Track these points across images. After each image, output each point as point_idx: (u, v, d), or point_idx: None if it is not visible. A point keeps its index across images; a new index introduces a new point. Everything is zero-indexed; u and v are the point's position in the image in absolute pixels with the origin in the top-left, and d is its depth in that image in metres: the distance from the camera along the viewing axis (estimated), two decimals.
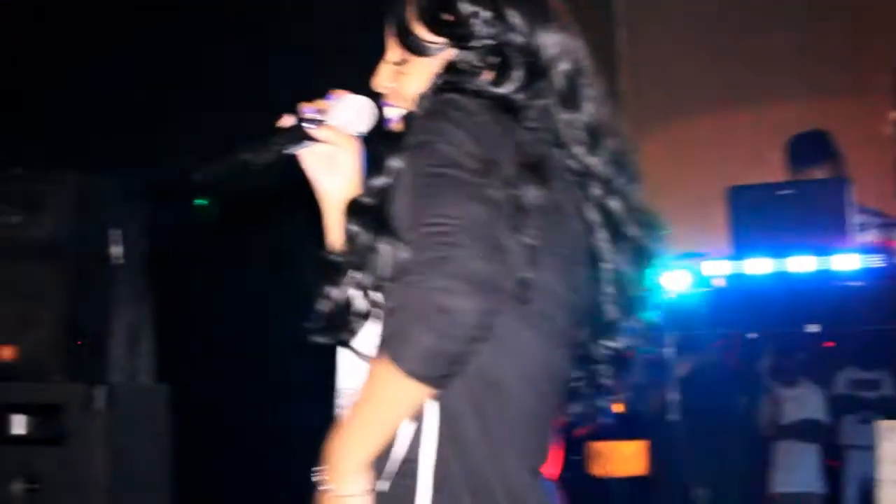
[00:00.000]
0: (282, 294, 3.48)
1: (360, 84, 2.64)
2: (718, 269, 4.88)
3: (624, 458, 5.74)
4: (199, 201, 2.74)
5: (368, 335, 2.37)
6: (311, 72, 5.00)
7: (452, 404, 2.29)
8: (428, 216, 2.20)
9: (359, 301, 2.39)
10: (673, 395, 5.49)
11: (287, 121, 2.58)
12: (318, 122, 2.58)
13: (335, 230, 2.58)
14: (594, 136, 2.44)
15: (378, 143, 2.51)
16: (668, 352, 5.23)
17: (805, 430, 5.71)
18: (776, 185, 5.06)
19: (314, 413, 2.70)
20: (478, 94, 2.37)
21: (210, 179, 2.59)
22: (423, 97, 2.40)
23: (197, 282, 5.78)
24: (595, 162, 2.43)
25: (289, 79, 5.18)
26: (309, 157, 2.62)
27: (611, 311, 2.48)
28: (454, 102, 2.33)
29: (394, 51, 2.57)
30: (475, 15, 2.45)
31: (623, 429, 5.62)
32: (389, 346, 2.16)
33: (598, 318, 2.48)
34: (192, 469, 5.28)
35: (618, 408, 5.57)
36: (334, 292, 2.40)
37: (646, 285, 2.56)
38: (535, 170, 2.31)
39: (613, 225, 2.45)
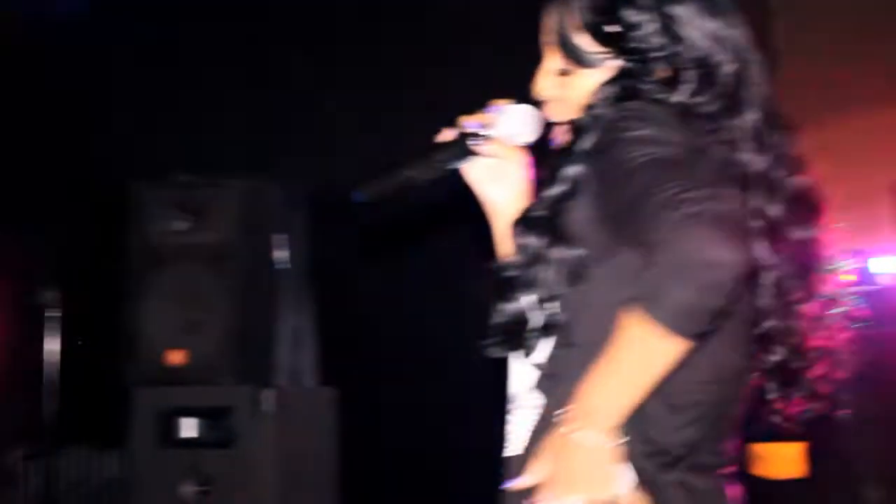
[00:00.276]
0: (444, 300, 3.44)
1: (521, 93, 2.57)
2: (885, 266, 4.83)
3: (784, 461, 5.60)
4: (359, 199, 2.55)
5: (543, 348, 2.34)
6: (468, 83, 4.93)
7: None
8: (664, 187, 2.10)
9: (534, 314, 2.34)
10: (843, 393, 5.33)
11: (447, 134, 2.51)
12: (482, 136, 2.52)
13: (504, 242, 2.52)
14: (760, 138, 2.36)
15: (550, 154, 2.42)
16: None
17: None
18: None
19: (481, 419, 2.81)
20: (656, 101, 2.30)
21: (374, 198, 2.51)
22: (594, 105, 2.31)
23: (359, 287, 5.76)
24: (760, 163, 2.36)
25: (446, 89, 5.12)
26: (473, 171, 2.57)
27: (771, 320, 2.40)
28: (639, 108, 2.27)
29: (554, 59, 2.50)
30: (641, 26, 2.39)
31: (783, 430, 5.51)
32: (647, 303, 2.08)
33: (757, 328, 2.40)
34: (357, 470, 5.33)
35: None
36: (509, 306, 2.37)
37: (809, 289, 2.43)
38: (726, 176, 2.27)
39: (775, 229, 2.38)
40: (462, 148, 2.52)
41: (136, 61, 5.87)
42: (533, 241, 2.33)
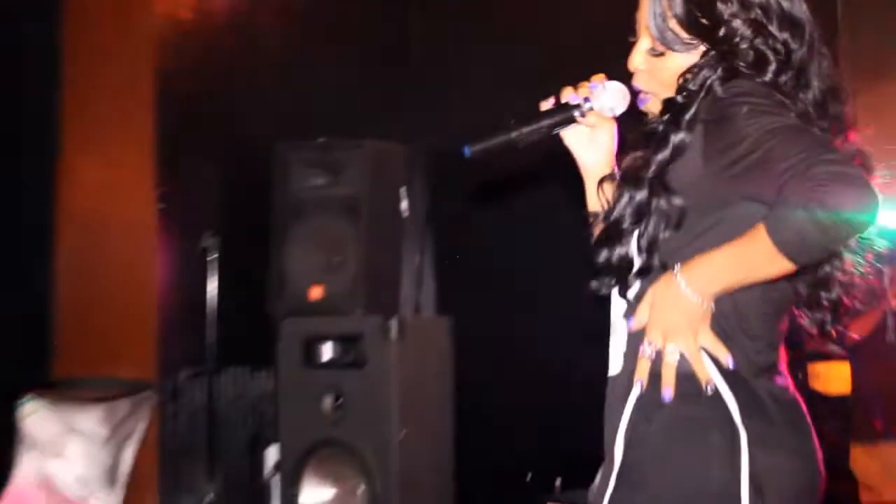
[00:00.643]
0: (545, 242, 3.52)
1: (616, 71, 2.71)
2: None
3: (835, 378, 5.70)
4: (468, 154, 2.73)
5: (639, 288, 2.53)
6: (573, 55, 4.98)
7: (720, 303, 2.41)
8: (801, 146, 2.24)
9: (636, 258, 2.53)
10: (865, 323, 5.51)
11: (548, 103, 2.70)
12: (582, 107, 2.70)
13: (593, 196, 2.76)
14: (820, 107, 2.53)
15: (642, 123, 2.62)
16: (885, 282, 5.23)
17: None
18: None
19: (582, 348, 2.98)
20: (750, 80, 2.47)
21: (481, 154, 2.68)
22: (692, 83, 2.52)
23: (471, 231, 5.80)
24: (817, 131, 2.49)
25: (552, 60, 5.24)
26: (572, 136, 2.76)
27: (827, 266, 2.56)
28: (749, 86, 2.46)
29: (647, 40, 2.64)
30: (731, 22, 2.53)
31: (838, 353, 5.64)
32: (774, 224, 2.24)
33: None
34: (470, 391, 5.42)
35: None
36: (616, 249, 2.55)
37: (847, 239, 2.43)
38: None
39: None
40: (564, 116, 2.70)
41: (284, 38, 5.92)
42: (641, 194, 2.51)
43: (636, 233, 2.52)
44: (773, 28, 2.52)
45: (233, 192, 5.82)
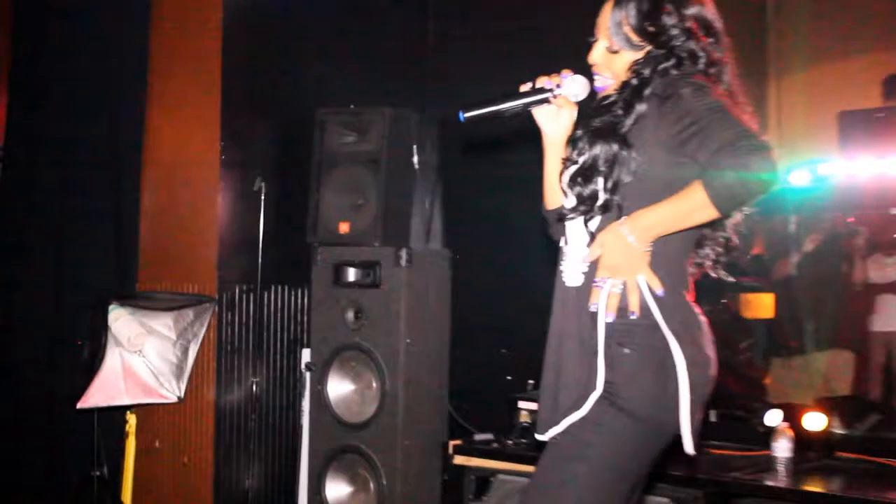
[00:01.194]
0: (527, 190, 3.53)
1: (580, 65, 3.03)
2: (832, 170, 4.81)
3: (761, 306, 5.75)
4: (461, 118, 3.03)
5: (600, 221, 2.81)
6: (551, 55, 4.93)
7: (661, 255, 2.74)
8: (731, 125, 2.62)
9: (601, 195, 2.81)
10: (796, 259, 5.59)
11: (527, 86, 3.00)
12: (553, 91, 3.00)
13: (553, 161, 3.07)
14: (730, 96, 2.83)
15: (621, 98, 2.86)
16: (793, 229, 5.30)
17: None
18: (874, 109, 5.07)
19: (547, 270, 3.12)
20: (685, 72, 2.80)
21: (472, 119, 3.01)
22: (644, 71, 2.83)
23: (470, 180, 5.88)
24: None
25: (537, 50, 5.34)
26: (541, 113, 3.06)
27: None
28: (690, 72, 2.80)
29: (605, 41, 2.94)
30: (668, 27, 2.86)
31: (762, 286, 5.71)
32: (710, 181, 2.59)
33: None
34: (465, 308, 5.58)
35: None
36: (589, 186, 2.84)
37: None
38: None
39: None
40: (539, 97, 3.00)
41: (324, 24, 5.97)
42: (612, 147, 2.79)
43: (603, 176, 2.81)
44: (701, 35, 2.88)
45: (280, 147, 5.86)
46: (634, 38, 2.89)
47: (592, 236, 2.81)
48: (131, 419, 5.63)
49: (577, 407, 2.78)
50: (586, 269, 2.83)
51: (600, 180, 2.82)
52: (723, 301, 5.43)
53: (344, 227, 5.46)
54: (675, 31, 2.85)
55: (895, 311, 5.70)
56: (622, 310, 2.74)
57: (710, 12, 2.92)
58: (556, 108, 3.03)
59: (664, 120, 2.74)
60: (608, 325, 2.75)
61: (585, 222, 2.85)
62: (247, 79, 5.75)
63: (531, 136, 3.21)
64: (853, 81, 6.04)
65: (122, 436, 5.61)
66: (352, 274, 5.42)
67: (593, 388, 2.75)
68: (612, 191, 2.79)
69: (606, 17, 2.93)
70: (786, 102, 6.19)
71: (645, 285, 2.73)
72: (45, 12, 6.32)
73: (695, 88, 2.72)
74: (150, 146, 5.95)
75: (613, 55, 2.93)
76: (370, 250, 5.37)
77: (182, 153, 5.88)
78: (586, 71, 3.03)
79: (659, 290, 2.72)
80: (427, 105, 5.80)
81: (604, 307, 2.74)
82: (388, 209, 5.42)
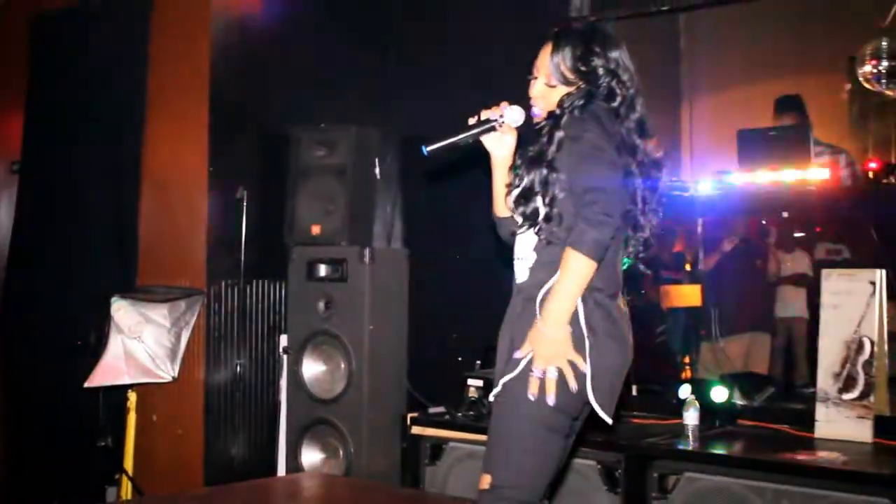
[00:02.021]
0: (478, 202, 3.50)
1: (519, 96, 3.12)
2: (733, 180, 4.86)
3: (685, 296, 5.80)
4: (424, 151, 3.08)
5: (546, 229, 2.91)
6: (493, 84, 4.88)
7: None
8: (593, 178, 2.77)
9: (542, 209, 2.91)
10: (716, 256, 5.64)
11: (473, 119, 3.10)
12: (497, 121, 3.09)
13: (500, 180, 3.16)
14: (641, 126, 3.00)
15: (548, 129, 2.94)
16: (701, 231, 5.35)
17: (799, 280, 5.67)
18: (767, 128, 5.13)
19: (498, 271, 3.31)
20: (602, 107, 2.92)
21: (432, 153, 3.07)
22: (568, 107, 2.91)
23: (426, 190, 5.72)
24: (639, 141, 2.98)
25: (480, 87, 5.15)
26: (488, 140, 3.14)
27: (639, 216, 3.01)
28: (596, 112, 2.90)
29: (544, 76, 3.04)
30: (597, 67, 2.97)
31: (686, 277, 5.79)
32: (577, 247, 2.73)
33: (633, 220, 2.99)
34: (422, 297, 5.54)
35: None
36: (531, 204, 2.93)
37: (657, 204, 3.03)
38: (630, 149, 2.93)
39: (646, 170, 3.00)
40: (487, 127, 3.09)
41: (299, 51, 5.89)
42: (544, 170, 2.89)
43: (541, 195, 2.91)
44: (620, 75, 2.99)
45: (260, 160, 5.83)
46: (569, 75, 2.99)
47: (539, 240, 2.93)
48: (132, 396, 5.61)
49: (510, 369, 2.89)
50: (532, 265, 2.94)
51: (539, 199, 2.90)
52: (643, 292, 5.45)
53: (316, 230, 5.46)
54: (601, 71, 2.96)
55: (791, 299, 5.76)
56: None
57: (627, 56, 3.04)
58: (500, 134, 3.12)
59: (570, 156, 2.87)
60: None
61: (536, 232, 2.94)
62: (232, 100, 5.74)
63: (479, 152, 3.25)
64: (753, 104, 6.09)
65: (124, 411, 5.61)
66: (323, 270, 5.41)
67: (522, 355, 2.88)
68: (551, 205, 2.88)
69: (546, 58, 3.04)
70: (696, 121, 6.23)
71: (572, 365, 2.83)
72: (57, 44, 6.42)
73: (586, 138, 2.83)
74: (147, 160, 5.95)
75: (550, 90, 3.02)
76: (338, 249, 5.37)
77: (175, 165, 5.86)
78: (521, 99, 3.12)
79: (582, 366, 2.82)
80: (388, 123, 5.81)
81: (546, 392, 2.83)
82: (353, 214, 5.42)
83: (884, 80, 5.89)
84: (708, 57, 6.57)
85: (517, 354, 2.87)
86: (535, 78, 3.07)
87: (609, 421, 2.88)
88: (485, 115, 3.10)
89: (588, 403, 2.87)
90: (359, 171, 5.48)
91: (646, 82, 3.11)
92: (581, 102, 2.91)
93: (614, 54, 2.98)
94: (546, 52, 3.04)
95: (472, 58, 5.61)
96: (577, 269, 2.76)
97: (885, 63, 5.89)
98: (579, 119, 2.89)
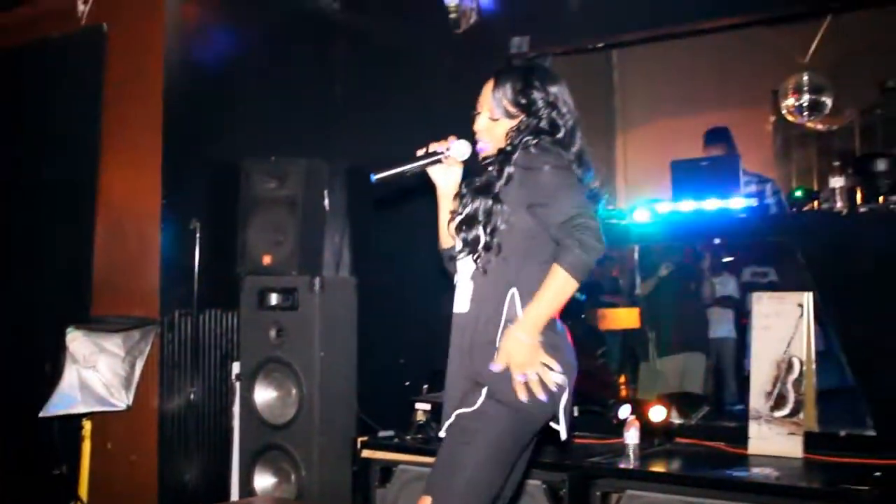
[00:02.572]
0: (425, 228, 3.49)
1: (463, 130, 3.17)
2: (666, 208, 4.86)
3: (622, 319, 5.83)
4: (372, 180, 3.09)
5: (484, 258, 2.93)
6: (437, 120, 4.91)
7: (526, 283, 2.87)
8: (574, 204, 2.80)
9: (483, 238, 2.93)
10: (652, 282, 5.68)
11: (421, 151, 3.13)
12: (443, 153, 3.12)
13: (445, 210, 3.20)
14: (580, 157, 3.02)
15: (498, 163, 2.97)
16: (636, 258, 5.37)
17: (726, 302, 5.77)
18: (698, 159, 5.16)
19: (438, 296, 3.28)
20: (544, 140, 2.94)
21: (380, 181, 3.08)
22: (520, 142, 2.93)
23: (373, 221, 5.80)
24: (580, 172, 3.00)
25: (424, 122, 5.28)
26: (435, 172, 3.18)
27: None
28: (545, 146, 2.93)
29: (487, 111, 3.07)
30: (538, 102, 3.01)
31: (624, 302, 5.84)
32: (564, 263, 2.76)
33: None
34: (370, 324, 5.53)
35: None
36: (472, 232, 2.96)
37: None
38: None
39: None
40: (433, 159, 3.12)
41: (249, 87, 5.89)
42: (489, 201, 2.92)
43: (482, 225, 2.93)
44: (559, 107, 3.01)
45: (213, 192, 5.75)
46: (511, 109, 3.01)
47: (477, 268, 2.94)
48: (87, 425, 5.51)
49: (466, 403, 2.88)
50: (472, 295, 2.93)
51: (480, 227, 2.92)
52: (582, 316, 5.42)
53: (267, 259, 5.42)
54: (541, 104, 2.98)
55: (720, 321, 5.84)
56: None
57: (566, 92, 3.06)
58: (446, 166, 3.13)
59: (524, 187, 2.87)
60: (488, 356, 2.88)
61: (474, 260, 2.95)
62: (185, 133, 5.66)
63: (425, 185, 3.28)
64: (683, 135, 6.12)
65: (80, 439, 5.50)
66: (274, 298, 5.39)
67: (479, 390, 2.87)
68: (492, 235, 2.90)
69: (488, 94, 3.06)
70: (630, 152, 6.29)
71: (545, 366, 2.87)
72: (13, 77, 6.32)
73: (552, 167, 2.85)
74: (103, 192, 5.84)
75: (494, 123, 3.04)
76: (289, 279, 5.34)
77: (130, 199, 5.75)
78: (467, 134, 3.13)
79: (556, 367, 2.85)
80: (336, 156, 5.80)
81: (535, 392, 2.84)
82: (303, 244, 5.40)
83: (805, 113, 6.03)
84: (640, 91, 6.61)
85: (494, 368, 2.86)
86: (479, 113, 3.10)
87: (565, 436, 2.91)
88: (433, 147, 3.12)
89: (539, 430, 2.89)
90: (308, 203, 5.44)
91: (582, 115, 3.12)
92: (532, 139, 2.93)
93: (553, 89, 3.00)
94: (488, 88, 3.06)
95: (417, 93, 5.67)
96: (562, 286, 2.78)
97: (806, 96, 6.04)
98: (535, 153, 2.90)
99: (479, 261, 2.93)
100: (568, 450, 4.28)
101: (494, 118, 3.03)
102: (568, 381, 2.93)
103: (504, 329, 2.87)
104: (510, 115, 3.02)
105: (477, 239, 2.93)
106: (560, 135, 2.97)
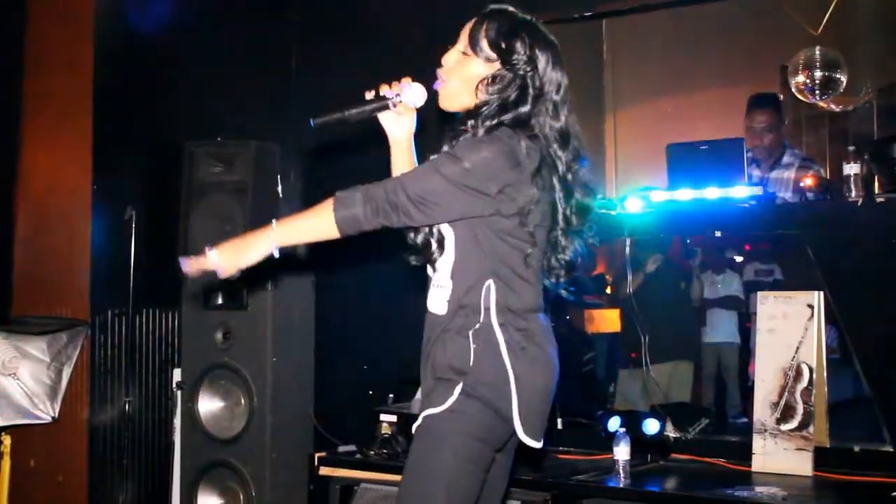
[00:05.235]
0: None
1: (422, 72, 3.11)
2: (662, 197, 4.80)
3: (609, 321, 5.83)
4: (313, 125, 3.06)
5: (444, 260, 2.91)
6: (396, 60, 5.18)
7: (502, 275, 2.85)
8: (427, 184, 2.78)
9: (434, 240, 2.92)
10: (639, 278, 5.62)
11: (370, 94, 3.09)
12: (394, 98, 3.09)
13: (398, 162, 3.18)
14: (564, 138, 2.95)
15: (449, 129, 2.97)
16: (629, 251, 5.25)
17: (728, 302, 5.76)
18: (698, 142, 4.94)
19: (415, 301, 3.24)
20: (505, 116, 2.89)
21: (322, 125, 3.05)
22: (472, 126, 2.91)
23: None
24: (562, 154, 2.93)
25: (380, 65, 5.30)
26: (385, 119, 3.16)
27: (562, 237, 2.99)
28: (499, 135, 2.85)
29: (462, 44, 3.02)
30: (518, 51, 2.95)
31: (608, 303, 5.88)
32: (342, 202, 2.81)
33: (554, 241, 2.98)
34: (327, 328, 5.60)
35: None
36: (420, 235, 2.95)
37: (584, 223, 3.02)
38: (536, 173, 2.84)
39: (569, 190, 2.96)
40: (381, 104, 3.09)
41: (193, 60, 5.88)
42: None
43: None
44: (540, 69, 2.95)
45: (151, 177, 5.80)
46: (487, 50, 2.98)
47: (437, 273, 2.96)
48: (6, 440, 5.48)
49: (433, 403, 2.88)
50: (450, 297, 2.91)
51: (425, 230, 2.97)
52: (567, 317, 5.44)
53: None
54: (521, 57, 2.94)
55: (721, 323, 5.85)
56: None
57: (556, 61, 2.99)
58: (396, 114, 3.14)
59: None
60: (460, 348, 2.87)
61: (430, 264, 2.97)
62: (118, 111, 5.69)
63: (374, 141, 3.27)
64: (683, 115, 6.18)
65: None
66: (220, 297, 5.41)
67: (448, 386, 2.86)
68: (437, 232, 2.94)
69: (469, 26, 3.04)
70: (621, 134, 6.31)
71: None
72: None
73: (486, 153, 2.82)
74: (24, 176, 5.87)
75: (465, 59, 3.01)
76: (237, 276, 5.17)
77: (55, 183, 5.79)
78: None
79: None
80: (290, 137, 5.75)
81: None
82: None
83: (817, 91, 6.07)
84: (633, 66, 6.63)
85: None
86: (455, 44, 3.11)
87: (538, 445, 2.90)
88: (382, 90, 3.11)
89: (514, 435, 2.88)
90: (259, 189, 5.42)
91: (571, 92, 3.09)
92: (489, 122, 2.91)
93: (541, 52, 2.96)
94: (471, 22, 3.06)
95: (377, 69, 5.42)
96: (320, 221, 2.85)
97: (818, 73, 6.07)
98: (477, 140, 2.88)
99: (436, 264, 2.96)
100: (549, 466, 4.32)
101: (466, 53, 3.02)
102: (549, 381, 2.94)
103: (483, 321, 2.88)
104: (485, 58, 2.99)
105: (426, 240, 2.96)
106: (525, 108, 2.93)
